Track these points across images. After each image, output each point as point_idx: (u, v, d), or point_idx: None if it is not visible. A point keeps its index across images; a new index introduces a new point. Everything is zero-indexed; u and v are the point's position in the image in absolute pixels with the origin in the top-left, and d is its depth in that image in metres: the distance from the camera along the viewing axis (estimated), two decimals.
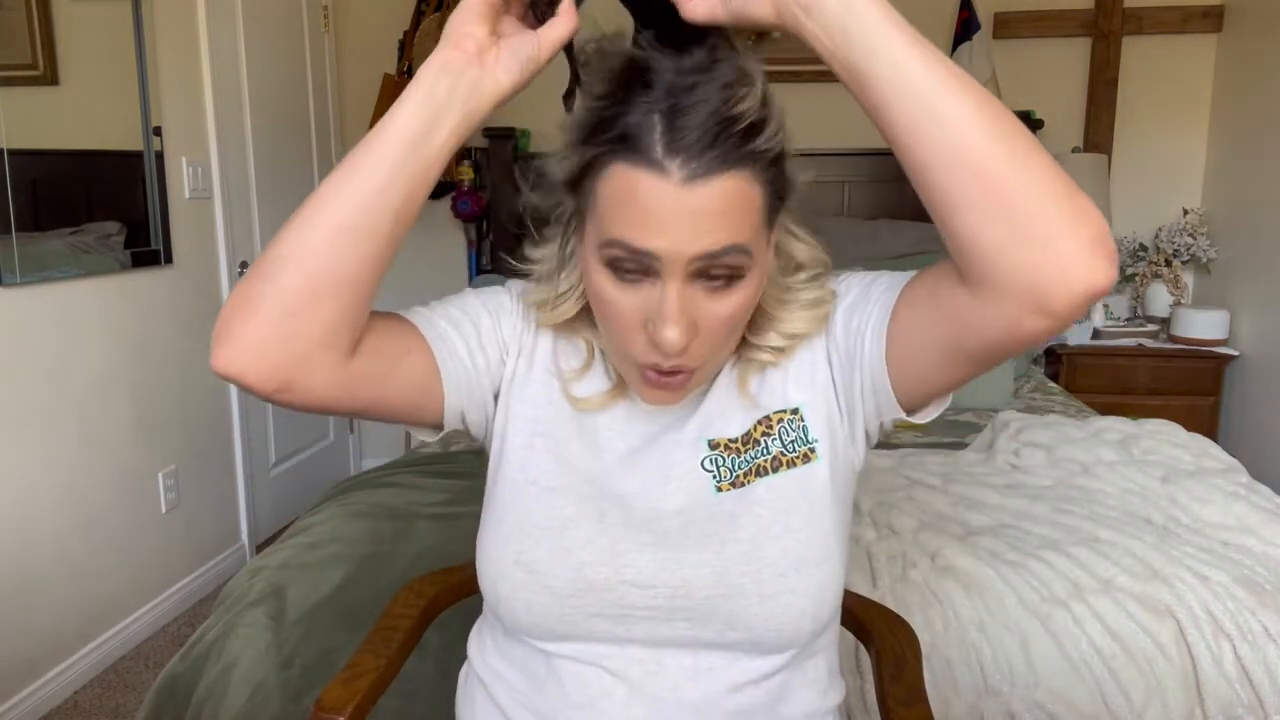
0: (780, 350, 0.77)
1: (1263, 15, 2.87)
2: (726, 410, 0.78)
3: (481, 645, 0.84)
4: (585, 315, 0.78)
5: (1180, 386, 2.92)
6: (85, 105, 2.21)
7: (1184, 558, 1.37)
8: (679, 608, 0.73)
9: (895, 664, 0.92)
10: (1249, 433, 2.92)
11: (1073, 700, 1.22)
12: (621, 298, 0.68)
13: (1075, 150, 3.11)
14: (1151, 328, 3.07)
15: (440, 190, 3.35)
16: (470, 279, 3.29)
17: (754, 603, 0.72)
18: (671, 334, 0.65)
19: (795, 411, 0.77)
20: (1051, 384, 2.78)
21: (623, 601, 0.73)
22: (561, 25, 0.70)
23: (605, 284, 0.68)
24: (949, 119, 0.58)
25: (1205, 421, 2.87)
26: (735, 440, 0.77)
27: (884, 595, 1.32)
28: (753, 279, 0.68)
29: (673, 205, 0.63)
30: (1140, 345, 2.97)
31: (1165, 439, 1.87)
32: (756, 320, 0.75)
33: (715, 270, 0.65)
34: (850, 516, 0.82)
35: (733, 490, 0.76)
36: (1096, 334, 3.02)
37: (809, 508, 0.75)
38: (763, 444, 0.77)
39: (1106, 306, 3.12)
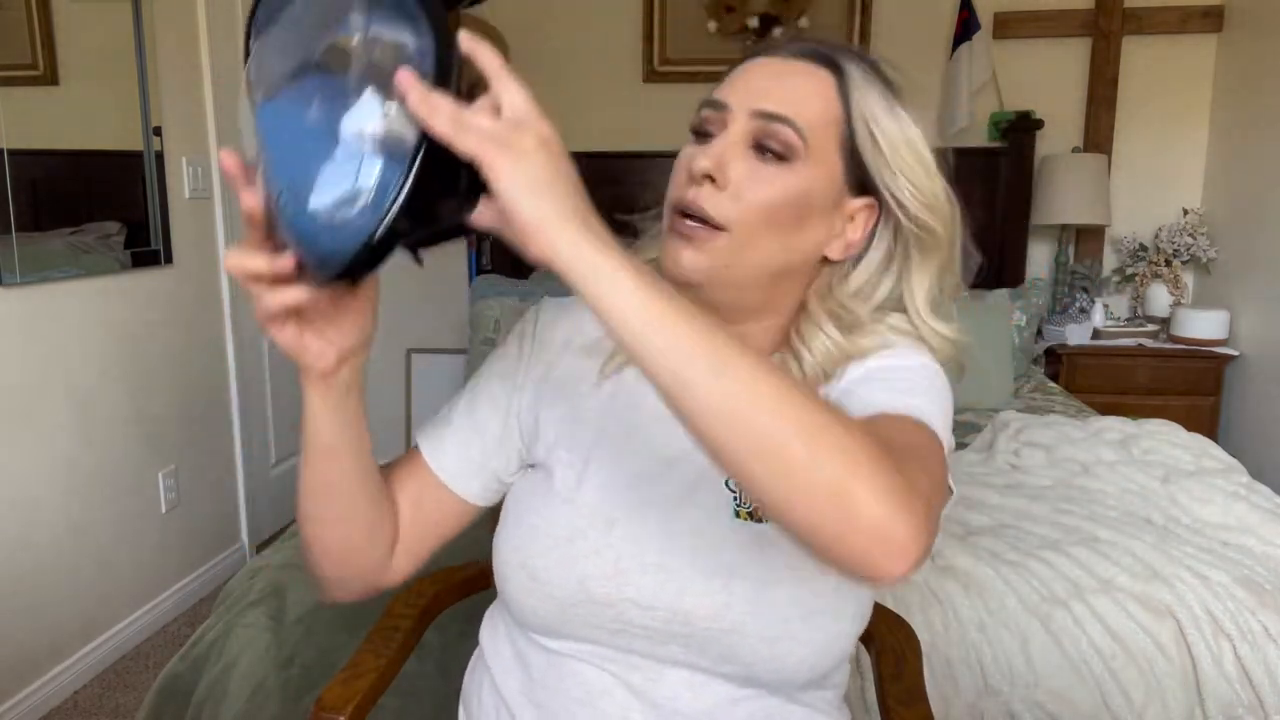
0: (827, 342, 0.75)
1: (1263, 15, 2.87)
2: None
3: (494, 631, 0.84)
4: None
5: (1180, 386, 2.92)
6: (85, 105, 2.21)
7: (1184, 558, 1.37)
8: (676, 633, 0.72)
9: (895, 664, 0.92)
10: (1249, 433, 2.92)
11: (1073, 700, 1.22)
12: (687, 151, 0.73)
13: (1075, 150, 3.11)
14: (1151, 328, 3.07)
15: None
16: (470, 279, 3.29)
17: (754, 642, 0.71)
18: (701, 159, 0.69)
19: None
20: (1051, 384, 2.78)
21: (622, 617, 0.73)
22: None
23: (684, 150, 0.74)
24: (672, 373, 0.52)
25: (1205, 421, 2.87)
26: None
27: (884, 595, 1.32)
28: (801, 175, 0.70)
29: (759, 68, 0.73)
30: (1140, 345, 2.97)
31: (1165, 439, 1.87)
32: (804, 328, 0.75)
33: (769, 141, 0.70)
34: None
35: (750, 521, 0.74)
36: (1096, 334, 3.02)
37: None
38: None
39: (1107, 307, 3.12)
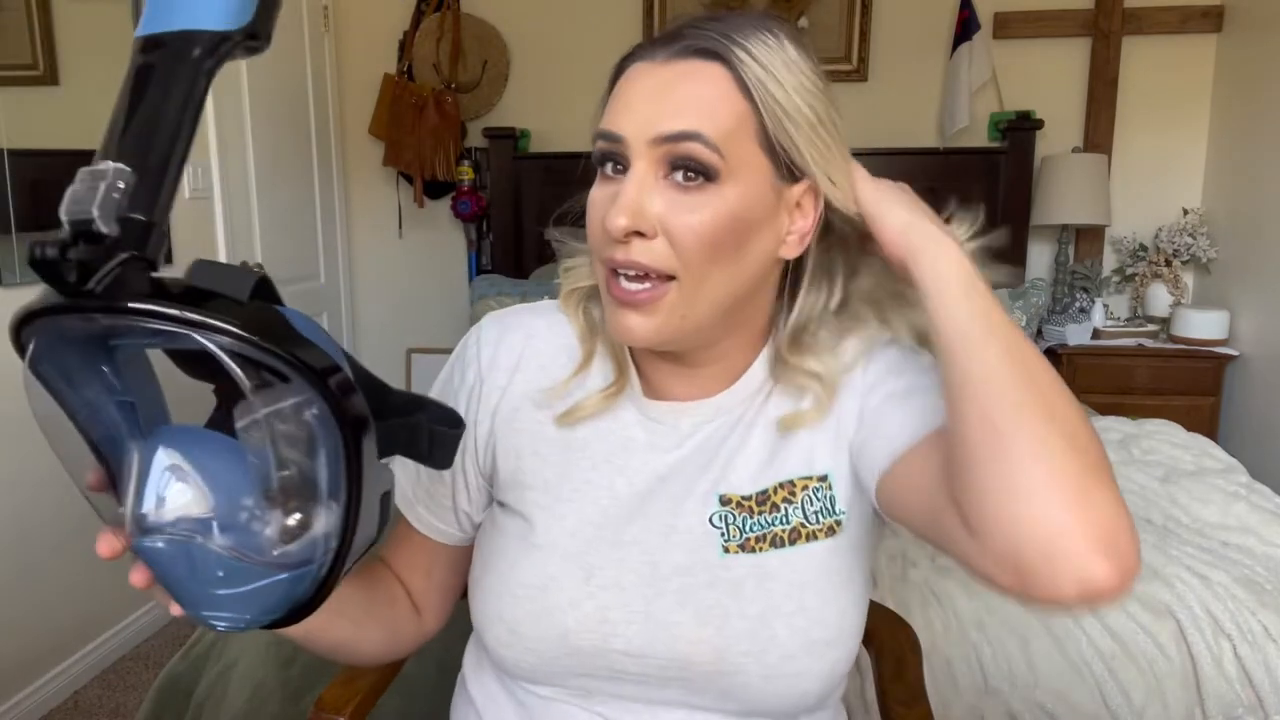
0: (817, 378, 0.70)
1: (1263, 15, 2.87)
2: (749, 455, 0.71)
3: (479, 661, 0.80)
4: (597, 297, 0.74)
5: (1180, 386, 2.92)
6: (85, 105, 2.21)
7: (1184, 558, 1.37)
8: (672, 678, 0.69)
9: (895, 664, 0.92)
10: (1249, 433, 2.92)
11: (1073, 700, 1.22)
12: (599, 193, 0.66)
13: (1075, 150, 3.11)
14: (1151, 328, 3.07)
15: (440, 190, 3.36)
16: (470, 279, 3.29)
17: (756, 681, 0.67)
18: (616, 217, 0.61)
19: (824, 479, 0.71)
20: None
21: (613, 666, 0.69)
22: None
23: (594, 188, 0.66)
24: (986, 380, 0.57)
25: (1205, 421, 2.86)
26: (749, 498, 0.70)
27: (884, 595, 1.32)
28: (729, 192, 0.62)
29: (646, 82, 0.63)
30: (1140, 345, 2.97)
31: (1165, 439, 1.87)
32: (800, 339, 0.71)
33: (681, 162, 0.61)
34: (869, 588, 0.75)
35: (741, 554, 0.69)
36: (1096, 334, 3.02)
37: (827, 584, 0.69)
38: (782, 511, 0.70)
39: (1106, 307, 3.12)
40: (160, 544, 0.49)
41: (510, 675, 0.74)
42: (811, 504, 0.70)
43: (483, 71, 3.30)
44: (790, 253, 0.68)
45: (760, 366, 0.73)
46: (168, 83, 0.47)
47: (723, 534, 0.70)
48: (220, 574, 0.49)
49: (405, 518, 0.79)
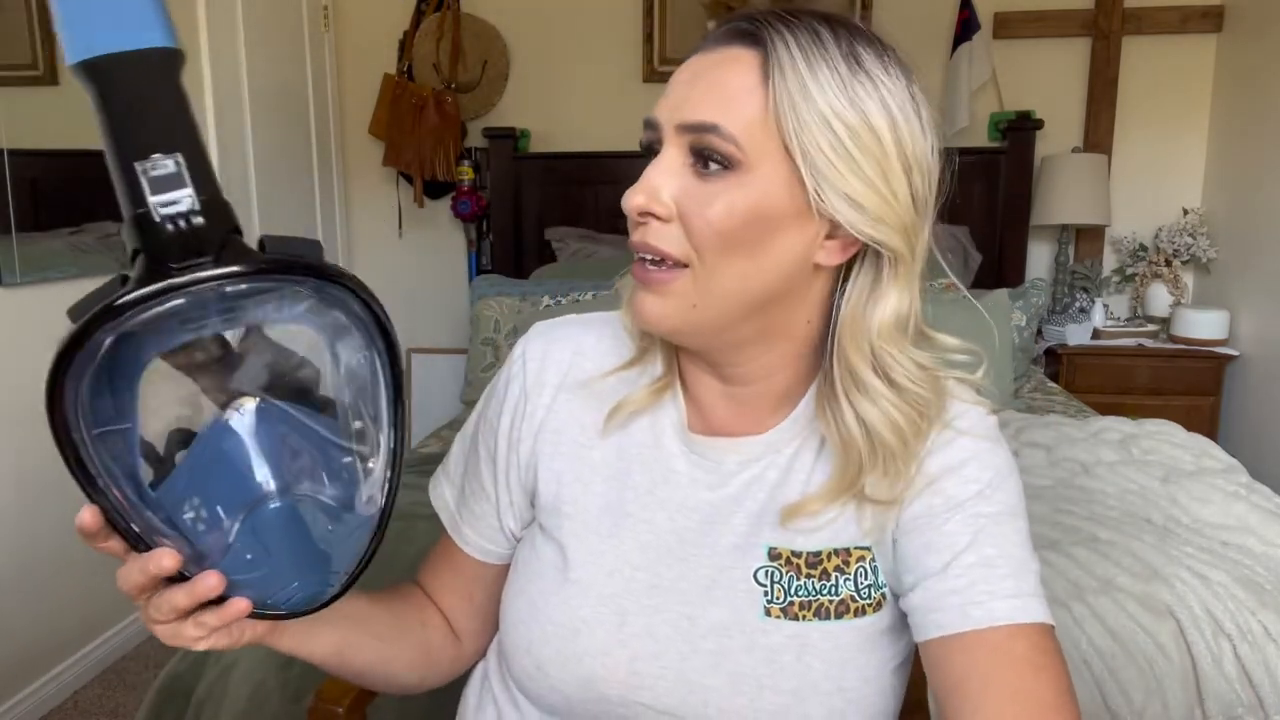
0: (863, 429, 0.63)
1: (1263, 15, 2.87)
2: (807, 490, 0.67)
3: (503, 666, 0.76)
4: None
5: (1180, 386, 2.92)
6: (85, 105, 2.19)
7: (1184, 558, 1.37)
8: None
9: None
10: (1249, 433, 2.92)
11: None
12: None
13: (1075, 150, 3.11)
14: (1151, 328, 3.07)
15: (440, 190, 3.36)
16: (470, 279, 3.29)
17: None
18: (632, 195, 0.61)
19: (869, 550, 0.66)
20: (1051, 384, 2.78)
21: (639, 717, 0.66)
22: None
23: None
24: None
25: (1205, 421, 2.87)
26: (799, 555, 0.66)
27: None
28: (750, 184, 0.59)
29: (687, 69, 0.62)
30: (1140, 345, 2.97)
31: (1165, 439, 1.87)
32: (850, 391, 0.64)
33: (705, 150, 0.59)
34: (909, 666, 0.70)
35: (783, 620, 0.65)
36: (1096, 334, 3.02)
37: (867, 661, 0.65)
38: (833, 580, 0.66)
39: (1106, 307, 3.12)
40: (277, 506, 0.51)
41: (535, 706, 0.72)
42: (865, 577, 0.66)
43: (483, 71, 3.30)
44: (830, 260, 0.63)
45: (811, 398, 0.68)
46: (153, 82, 0.49)
47: (766, 592, 0.66)
48: (329, 528, 0.52)
49: (450, 541, 0.77)
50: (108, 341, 0.46)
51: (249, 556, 0.51)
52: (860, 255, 0.64)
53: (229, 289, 0.47)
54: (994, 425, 0.68)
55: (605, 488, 0.70)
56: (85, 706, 2.12)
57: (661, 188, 0.61)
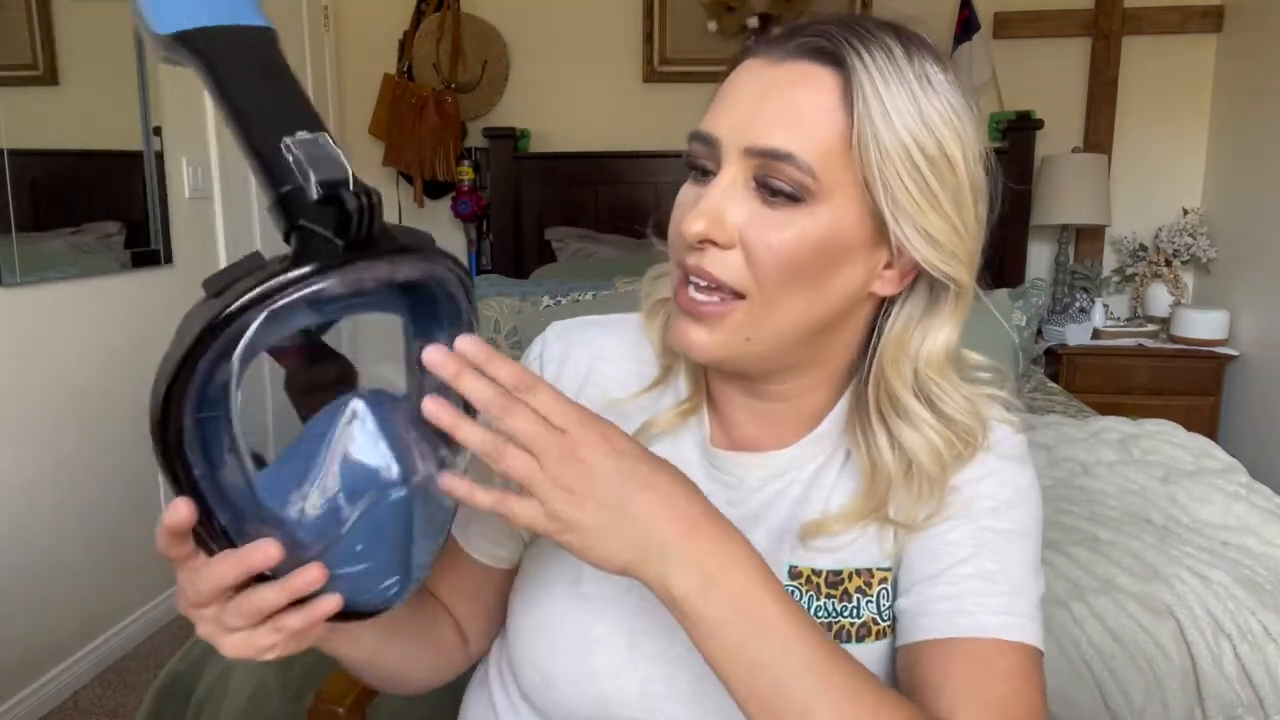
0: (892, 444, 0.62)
1: (1263, 15, 2.87)
2: (827, 507, 0.65)
3: (501, 672, 0.75)
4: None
5: (1180, 386, 2.92)
6: (85, 105, 2.21)
7: (1184, 558, 1.37)
8: None
9: None
10: (1249, 433, 2.92)
11: (1073, 700, 1.22)
12: (686, 196, 0.60)
13: (1075, 150, 3.11)
14: (1151, 328, 3.07)
15: (440, 190, 3.36)
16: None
17: None
18: (694, 221, 0.56)
19: (890, 571, 0.65)
20: (1051, 384, 2.78)
21: None
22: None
23: (682, 189, 0.61)
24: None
25: (1205, 421, 2.87)
26: (820, 574, 0.64)
27: None
28: (821, 214, 0.56)
29: (751, 84, 0.57)
30: (1140, 345, 2.97)
31: (1165, 439, 1.87)
32: (889, 416, 0.63)
33: (772, 182, 0.56)
34: None
35: None
36: (1096, 334, 3.02)
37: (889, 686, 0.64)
38: (855, 602, 0.64)
39: (1106, 307, 3.12)
40: (403, 494, 0.49)
41: (540, 718, 0.70)
42: (886, 598, 0.64)
43: (483, 71, 3.29)
44: (886, 289, 0.61)
45: (839, 415, 0.66)
46: (271, 60, 0.48)
47: None
48: (429, 516, 0.51)
49: (457, 544, 0.75)
50: (258, 321, 0.43)
51: (359, 548, 0.48)
52: (913, 282, 0.62)
53: (374, 275, 0.45)
54: (1022, 444, 0.67)
55: None
56: (85, 706, 2.12)
57: (725, 213, 0.57)
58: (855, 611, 0.64)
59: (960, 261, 0.60)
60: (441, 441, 0.51)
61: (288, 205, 0.44)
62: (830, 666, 0.52)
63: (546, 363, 0.72)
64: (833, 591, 0.64)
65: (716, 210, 0.57)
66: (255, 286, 0.43)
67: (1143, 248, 3.18)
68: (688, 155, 0.60)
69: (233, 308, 0.42)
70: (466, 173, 3.28)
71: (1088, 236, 3.21)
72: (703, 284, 0.58)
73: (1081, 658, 1.24)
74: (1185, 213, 3.14)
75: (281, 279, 0.43)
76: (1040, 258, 3.26)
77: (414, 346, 0.52)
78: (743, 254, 0.57)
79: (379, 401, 0.49)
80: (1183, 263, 3.13)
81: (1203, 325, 2.93)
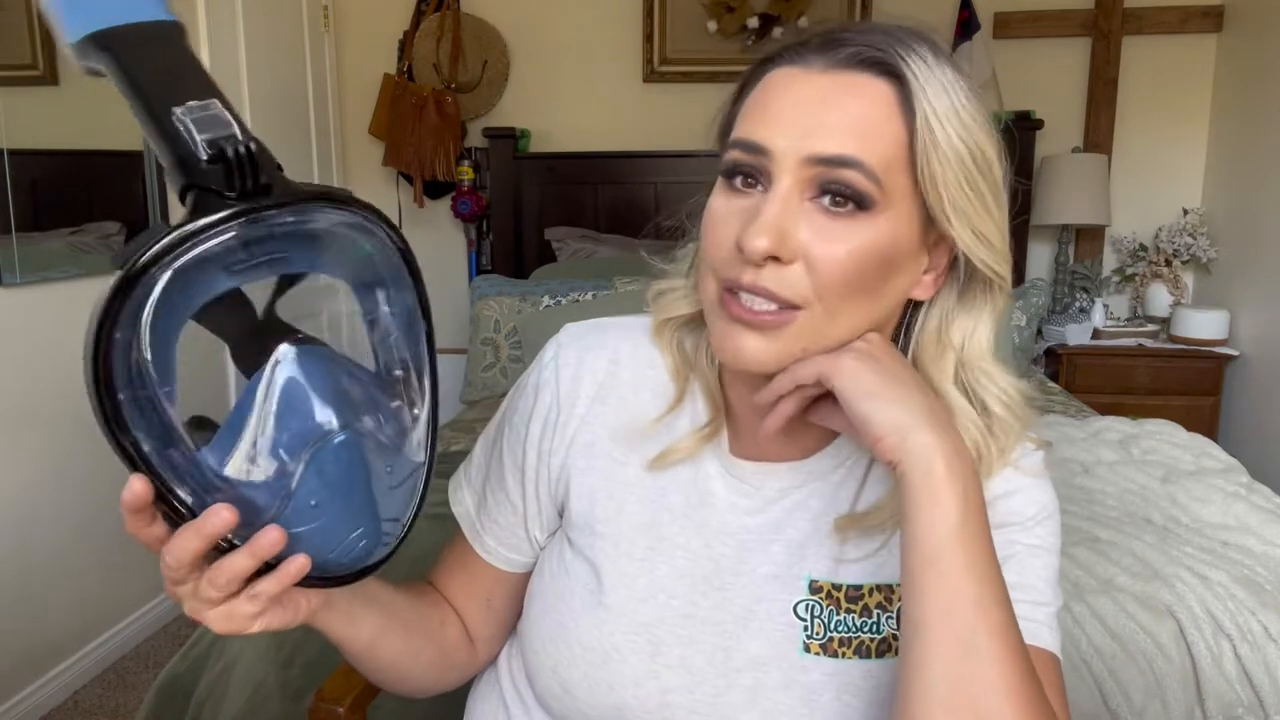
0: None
1: (1263, 15, 2.87)
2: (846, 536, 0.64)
3: (511, 667, 0.75)
4: (693, 327, 0.69)
5: (1180, 386, 2.92)
6: (85, 105, 2.21)
7: (1184, 558, 1.37)
8: None
9: None
10: (1249, 433, 2.92)
11: (1073, 700, 1.22)
12: (727, 206, 0.59)
13: (1075, 150, 3.11)
14: (1151, 328, 3.07)
15: (440, 190, 3.36)
16: (470, 279, 3.29)
17: None
18: (757, 238, 0.54)
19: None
20: (1051, 384, 2.78)
21: None
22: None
23: (716, 198, 0.60)
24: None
25: (1205, 421, 2.87)
26: (839, 589, 0.64)
27: None
28: (882, 224, 0.56)
29: (801, 92, 0.56)
30: (1140, 345, 2.97)
31: (1165, 439, 1.87)
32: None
33: (835, 186, 0.55)
34: None
35: (822, 656, 0.62)
36: (1096, 334, 3.02)
37: None
38: (874, 618, 0.63)
39: (1106, 307, 3.12)
40: (343, 439, 0.49)
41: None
42: None
43: (483, 71, 3.29)
44: (923, 294, 0.62)
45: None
46: (170, 45, 0.49)
47: (806, 627, 0.63)
48: (388, 468, 0.52)
49: (468, 546, 0.74)
50: (163, 280, 0.43)
51: (313, 502, 0.49)
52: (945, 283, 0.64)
53: (279, 226, 0.46)
54: (1040, 461, 0.67)
55: (640, 508, 0.67)
56: (85, 706, 2.12)
57: (790, 229, 0.56)
58: (875, 627, 0.63)
59: (1004, 260, 0.61)
60: (388, 394, 0.52)
61: (181, 170, 0.45)
62: (1020, 653, 0.54)
63: (562, 368, 0.70)
64: (853, 606, 0.64)
65: (780, 227, 0.55)
66: (152, 246, 0.43)
67: (1143, 248, 3.18)
68: (729, 161, 0.59)
69: (134, 269, 0.43)
70: (466, 173, 3.28)
71: (1088, 236, 3.21)
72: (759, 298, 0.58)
73: (1081, 658, 1.24)
74: (1185, 213, 3.14)
75: (179, 234, 0.43)
76: (1040, 258, 3.26)
77: (364, 308, 0.53)
78: (804, 268, 0.56)
79: (311, 354, 0.50)
80: (1183, 263, 3.13)
81: (1203, 325, 2.93)
